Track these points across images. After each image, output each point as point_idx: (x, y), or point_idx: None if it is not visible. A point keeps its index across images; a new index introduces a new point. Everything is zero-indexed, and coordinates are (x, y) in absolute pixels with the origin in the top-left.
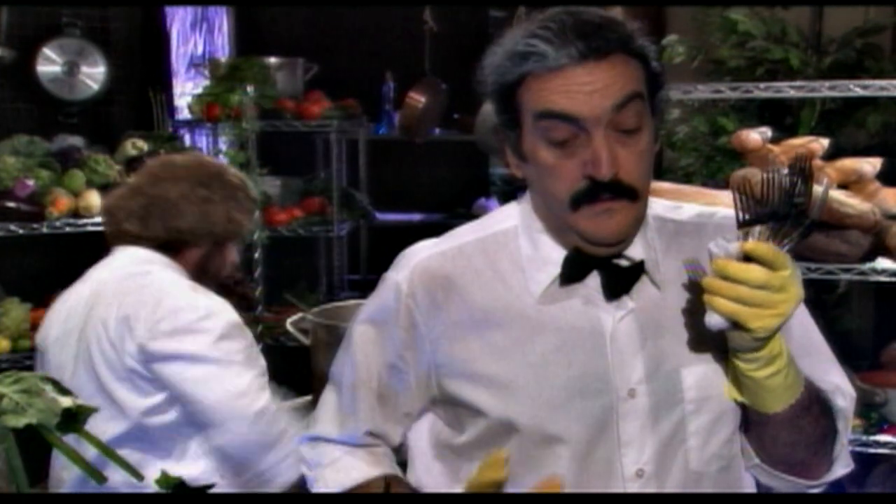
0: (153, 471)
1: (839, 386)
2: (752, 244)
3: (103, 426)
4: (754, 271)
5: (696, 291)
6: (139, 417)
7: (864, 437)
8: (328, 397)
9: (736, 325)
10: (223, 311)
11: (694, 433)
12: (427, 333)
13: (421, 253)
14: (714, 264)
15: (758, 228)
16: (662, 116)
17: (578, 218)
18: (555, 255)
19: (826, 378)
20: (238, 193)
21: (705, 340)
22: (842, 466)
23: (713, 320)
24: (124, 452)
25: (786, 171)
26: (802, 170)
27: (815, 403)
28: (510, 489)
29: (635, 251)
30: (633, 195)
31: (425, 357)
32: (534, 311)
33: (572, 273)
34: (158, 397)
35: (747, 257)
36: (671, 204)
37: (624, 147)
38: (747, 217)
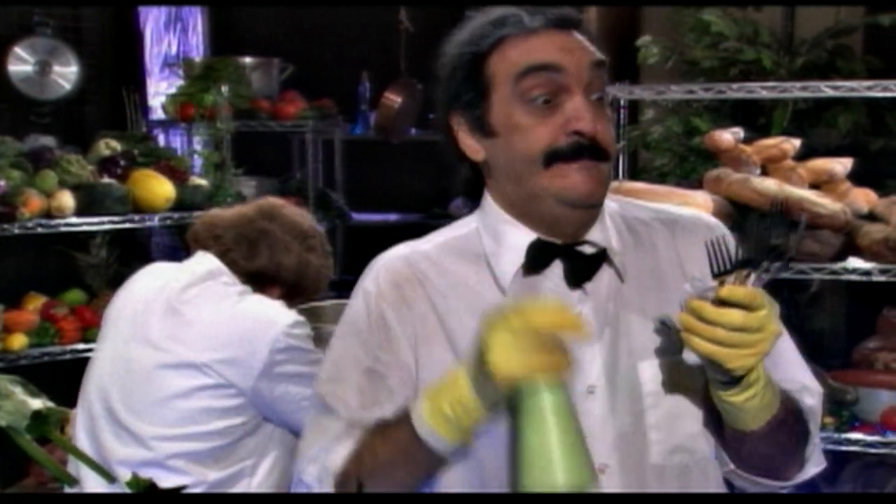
0: None
1: (806, 385)
2: (727, 290)
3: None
4: (731, 315)
5: (668, 334)
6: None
7: (836, 435)
8: (310, 423)
9: (713, 362)
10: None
11: (654, 427)
12: (402, 332)
13: (386, 256)
14: (689, 305)
15: (734, 274)
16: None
17: (552, 176)
18: (519, 242)
19: (793, 378)
20: (329, 260)
21: (662, 334)
22: (814, 465)
23: (691, 357)
24: None
25: (768, 211)
26: (780, 214)
27: (790, 413)
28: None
29: (596, 237)
30: (608, 158)
31: (402, 357)
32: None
33: (536, 261)
34: None
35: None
36: (631, 201)
37: (596, 112)
38: (722, 269)
